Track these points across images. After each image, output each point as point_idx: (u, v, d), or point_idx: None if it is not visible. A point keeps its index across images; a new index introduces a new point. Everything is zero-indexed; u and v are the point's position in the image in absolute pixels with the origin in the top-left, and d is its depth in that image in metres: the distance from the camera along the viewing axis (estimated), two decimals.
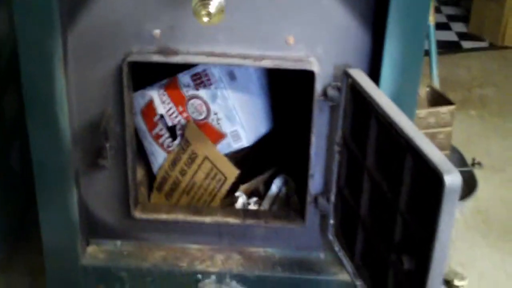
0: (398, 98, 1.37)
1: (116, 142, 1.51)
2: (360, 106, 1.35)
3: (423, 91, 2.30)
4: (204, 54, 1.43)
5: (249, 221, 1.58)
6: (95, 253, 1.62)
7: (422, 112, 2.12)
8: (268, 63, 1.42)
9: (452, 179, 1.07)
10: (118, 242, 1.63)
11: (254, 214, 1.61)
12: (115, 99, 1.47)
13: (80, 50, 1.43)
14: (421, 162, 1.13)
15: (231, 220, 1.58)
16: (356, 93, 1.36)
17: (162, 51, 1.42)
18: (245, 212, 1.62)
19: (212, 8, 1.11)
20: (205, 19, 1.12)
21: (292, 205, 1.69)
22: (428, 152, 1.13)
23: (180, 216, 1.59)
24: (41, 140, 1.46)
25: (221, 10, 1.12)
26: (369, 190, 1.34)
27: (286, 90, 1.71)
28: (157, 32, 1.41)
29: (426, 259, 1.13)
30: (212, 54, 1.43)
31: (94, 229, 1.62)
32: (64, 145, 1.46)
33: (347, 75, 1.37)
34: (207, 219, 1.58)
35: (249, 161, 1.77)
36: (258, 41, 1.42)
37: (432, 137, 2.17)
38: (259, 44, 1.42)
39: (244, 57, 1.42)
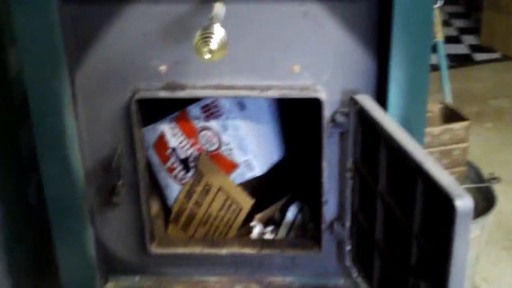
0: (406, 121, 1.37)
1: (129, 178, 1.52)
2: (369, 132, 1.35)
3: (436, 108, 2.29)
4: (211, 87, 1.44)
5: (266, 251, 1.58)
6: None
7: (436, 129, 2.11)
8: (274, 93, 1.42)
9: (464, 203, 1.06)
10: (137, 278, 1.63)
11: (270, 244, 1.60)
12: (125, 136, 1.48)
13: (89, 89, 1.45)
14: (431, 186, 1.12)
15: (248, 251, 1.58)
16: (364, 119, 1.35)
17: (169, 87, 1.43)
18: (261, 242, 1.61)
19: (214, 45, 1.11)
20: (207, 56, 1.13)
21: (309, 232, 1.69)
22: (438, 176, 1.12)
23: (197, 249, 1.59)
24: (53, 178, 1.47)
25: (223, 46, 1.13)
26: (383, 215, 1.33)
27: (297, 116, 1.71)
28: (163, 68, 1.42)
29: (443, 283, 1.12)
30: (219, 87, 1.44)
31: (112, 265, 1.62)
32: (77, 183, 1.48)
33: (354, 101, 1.37)
34: (223, 251, 1.58)
35: (263, 189, 1.77)
36: (264, 71, 1.42)
37: (447, 154, 2.15)
38: (265, 74, 1.43)
39: (251, 88, 1.43)
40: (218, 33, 1.13)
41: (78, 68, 1.43)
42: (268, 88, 1.42)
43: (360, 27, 1.37)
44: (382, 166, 1.30)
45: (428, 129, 2.03)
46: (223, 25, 1.28)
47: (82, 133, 1.48)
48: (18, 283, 1.83)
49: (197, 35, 1.13)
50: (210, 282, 1.62)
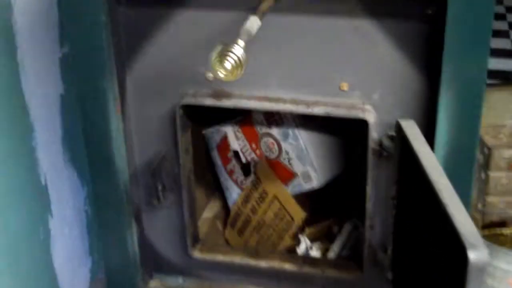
0: (454, 149, 1.27)
1: (174, 182, 1.52)
2: (409, 160, 1.26)
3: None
4: (256, 98, 1.40)
5: (306, 269, 1.53)
6: None
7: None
8: (320, 110, 1.36)
9: (478, 255, 0.97)
10: (180, 279, 1.64)
11: (312, 262, 1.55)
12: (170, 140, 1.48)
13: (139, 91, 1.46)
14: (449, 231, 1.04)
15: (288, 266, 1.54)
16: (406, 145, 1.27)
17: (215, 95, 1.41)
18: (303, 259, 1.56)
19: (228, 65, 1.08)
20: (221, 75, 1.09)
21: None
22: (458, 222, 1.03)
23: (237, 259, 1.57)
24: (100, 177, 1.50)
25: (239, 66, 1.09)
26: (411, 250, 1.25)
27: (353, 134, 1.64)
28: (210, 75, 1.40)
29: None
30: (265, 99, 1.40)
31: (158, 264, 1.64)
32: (121, 183, 1.49)
33: (399, 125, 1.29)
34: (263, 264, 1.55)
35: (319, 204, 1.71)
36: (312, 86, 1.37)
37: None
38: (313, 89, 1.37)
39: (297, 102, 1.38)
40: (236, 52, 1.09)
41: (129, 70, 1.44)
42: (315, 104, 1.37)
43: (411, 47, 1.28)
44: (415, 199, 1.22)
45: None
46: (266, 39, 1.26)
47: (130, 133, 1.49)
48: None
49: (216, 51, 1.10)
50: None
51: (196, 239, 1.60)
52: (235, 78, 1.11)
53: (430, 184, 1.13)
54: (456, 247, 1.00)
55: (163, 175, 1.50)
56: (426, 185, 1.15)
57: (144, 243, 1.60)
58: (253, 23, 1.18)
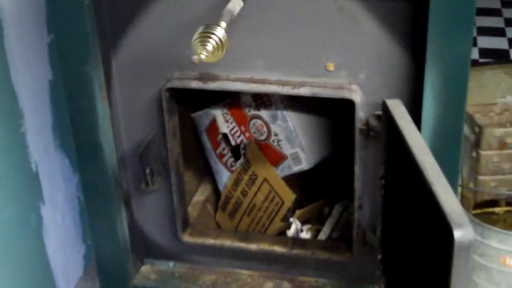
0: (441, 129, 1.26)
1: (162, 166, 1.51)
2: (396, 140, 1.25)
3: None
4: (243, 80, 1.39)
5: (296, 251, 1.53)
6: (148, 273, 1.64)
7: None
8: (307, 91, 1.36)
9: (463, 234, 0.97)
10: (171, 263, 1.64)
11: (302, 244, 1.55)
12: (157, 124, 1.47)
13: (124, 75, 1.45)
14: (436, 210, 1.03)
15: (278, 249, 1.54)
16: (392, 125, 1.26)
17: (201, 77, 1.40)
18: (293, 241, 1.56)
19: (210, 47, 1.07)
20: (203, 56, 1.08)
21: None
22: (444, 200, 1.02)
23: (227, 242, 1.57)
24: (88, 164, 1.49)
25: (220, 48, 1.08)
26: (399, 229, 1.25)
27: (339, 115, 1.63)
28: (196, 57, 1.39)
29: None
30: (251, 80, 1.39)
31: (148, 249, 1.64)
32: (110, 168, 1.49)
33: (385, 105, 1.28)
34: (253, 247, 1.55)
35: (309, 186, 1.71)
36: (298, 67, 1.36)
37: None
38: (299, 70, 1.36)
39: (284, 83, 1.37)
40: (217, 33, 1.08)
41: (114, 53, 1.43)
42: (301, 84, 1.36)
43: (396, 26, 1.27)
44: (402, 179, 1.21)
45: None
46: (251, 21, 1.25)
47: (118, 119, 1.48)
48: None
49: (197, 32, 1.09)
50: (242, 275, 1.60)
51: (186, 224, 1.59)
52: (216, 59, 1.10)
53: (416, 163, 1.12)
54: (441, 226, 1.00)
55: (151, 159, 1.49)
56: (412, 165, 1.15)
57: (134, 228, 1.60)
58: (235, 3, 1.17)
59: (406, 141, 1.17)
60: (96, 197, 1.52)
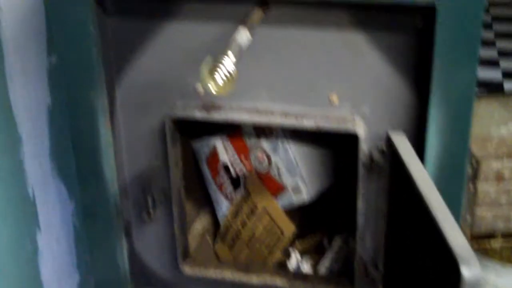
0: (444, 165, 1.27)
1: (164, 196, 1.50)
2: (400, 174, 1.25)
3: None
4: (246, 110, 1.39)
5: (297, 285, 1.52)
6: None
7: None
8: (310, 123, 1.36)
9: (471, 271, 0.96)
10: None
11: (303, 277, 1.54)
12: (160, 154, 1.46)
13: (128, 103, 1.45)
14: (442, 246, 1.03)
15: (279, 282, 1.53)
16: (396, 158, 1.26)
17: (205, 107, 1.40)
18: (294, 275, 1.55)
19: (220, 80, 1.07)
20: (212, 90, 1.08)
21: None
22: (450, 235, 1.02)
23: (228, 274, 1.55)
24: (89, 191, 1.48)
25: (230, 80, 1.08)
26: (403, 265, 1.24)
27: (341, 146, 1.63)
28: (201, 89, 1.39)
29: None
30: (255, 111, 1.39)
31: (148, 279, 1.62)
32: (111, 196, 1.48)
33: (389, 138, 1.28)
34: (254, 279, 1.54)
35: (309, 218, 1.70)
36: (301, 99, 1.36)
37: None
38: (302, 101, 1.37)
39: (287, 115, 1.37)
40: (228, 67, 1.08)
41: (118, 81, 1.43)
42: (304, 116, 1.36)
43: (400, 59, 1.27)
44: (406, 213, 1.21)
45: None
46: (255, 51, 1.25)
47: (120, 147, 1.48)
48: None
49: (205, 64, 1.09)
50: None
51: (186, 254, 1.58)
52: (226, 93, 1.10)
53: (421, 198, 1.12)
54: (448, 263, 0.99)
55: (153, 189, 1.49)
56: (417, 199, 1.15)
57: (133, 257, 1.58)
58: (243, 36, 1.18)
59: (411, 176, 1.17)
60: (96, 225, 1.51)
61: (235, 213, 1.73)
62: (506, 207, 1.99)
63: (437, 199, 1.11)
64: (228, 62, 1.09)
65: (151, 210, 1.48)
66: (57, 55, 1.37)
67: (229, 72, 1.08)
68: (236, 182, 1.74)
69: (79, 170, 1.47)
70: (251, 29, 1.21)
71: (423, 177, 1.16)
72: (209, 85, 1.08)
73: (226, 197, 1.76)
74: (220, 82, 1.07)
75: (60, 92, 1.73)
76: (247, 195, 1.69)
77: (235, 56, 1.11)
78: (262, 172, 1.67)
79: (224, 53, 1.11)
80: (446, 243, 1.01)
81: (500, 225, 1.98)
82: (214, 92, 1.09)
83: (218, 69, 1.08)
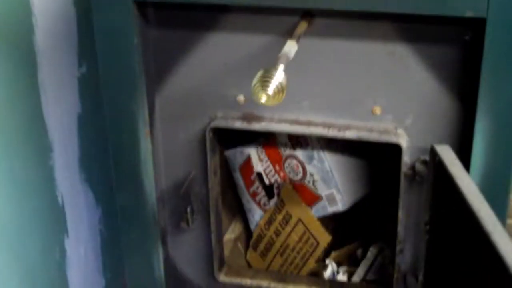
0: (490, 177, 1.26)
1: (201, 204, 1.50)
2: (446, 186, 1.25)
3: None
4: (288, 121, 1.39)
5: None
6: None
7: None
8: (353, 134, 1.35)
9: None
10: None
11: (340, 286, 1.54)
12: (199, 163, 1.47)
13: (168, 113, 1.45)
14: (495, 261, 1.02)
15: None
16: (442, 171, 1.26)
17: (246, 118, 1.40)
18: (330, 283, 1.55)
19: (271, 90, 1.07)
20: (263, 100, 1.09)
21: (388, 275, 1.61)
22: (505, 251, 1.02)
23: (264, 283, 1.55)
24: (127, 198, 1.49)
25: (280, 91, 1.08)
26: (448, 277, 1.24)
27: (380, 156, 1.63)
28: (241, 98, 1.40)
29: None
30: (296, 122, 1.39)
31: (182, 286, 1.62)
32: (149, 204, 1.48)
33: (433, 151, 1.28)
34: None
35: (344, 227, 1.70)
36: (344, 110, 1.36)
37: None
38: (345, 113, 1.36)
39: (329, 126, 1.37)
40: (278, 77, 1.08)
41: (158, 91, 1.43)
42: (347, 127, 1.36)
43: (446, 72, 1.27)
44: (452, 225, 1.21)
45: None
46: (298, 62, 1.25)
47: (159, 155, 1.48)
48: None
49: (257, 77, 1.09)
50: None
51: (222, 263, 1.58)
52: (277, 103, 1.10)
53: (471, 212, 1.12)
54: (503, 278, 0.99)
55: (192, 198, 1.49)
56: (466, 213, 1.14)
57: (169, 266, 1.58)
58: (291, 47, 1.18)
59: (460, 189, 1.16)
60: (134, 233, 1.51)
61: (269, 222, 1.73)
62: None
63: (489, 213, 1.10)
64: (279, 73, 1.09)
65: (190, 219, 1.48)
66: (102, 66, 1.37)
67: (280, 83, 1.08)
68: (269, 191, 1.74)
69: (118, 178, 1.47)
70: (297, 40, 1.21)
71: (472, 190, 1.15)
72: (260, 95, 1.08)
73: (259, 205, 1.76)
74: (271, 92, 1.08)
75: (92, 102, 1.74)
76: (281, 204, 1.69)
77: (284, 66, 1.12)
78: (296, 182, 1.67)
79: (276, 65, 1.11)
80: (500, 258, 1.01)
81: None
82: (265, 102, 1.10)
83: (269, 80, 1.08)
